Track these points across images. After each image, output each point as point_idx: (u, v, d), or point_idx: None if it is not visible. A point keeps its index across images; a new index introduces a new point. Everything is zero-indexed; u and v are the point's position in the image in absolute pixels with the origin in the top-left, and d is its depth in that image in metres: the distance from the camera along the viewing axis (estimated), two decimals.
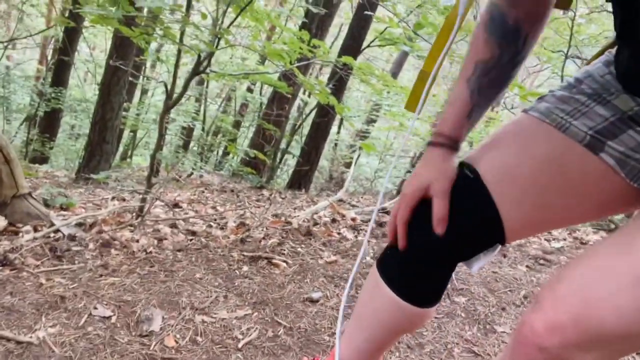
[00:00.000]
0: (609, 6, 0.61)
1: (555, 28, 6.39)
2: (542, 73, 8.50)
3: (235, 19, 2.04)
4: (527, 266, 2.21)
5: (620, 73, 0.68)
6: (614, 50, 0.73)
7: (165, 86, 2.13)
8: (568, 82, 0.75)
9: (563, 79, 5.19)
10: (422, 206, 0.75)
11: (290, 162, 7.38)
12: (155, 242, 1.88)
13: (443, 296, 0.82)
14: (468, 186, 0.72)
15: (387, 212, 3.11)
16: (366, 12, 3.09)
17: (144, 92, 7.92)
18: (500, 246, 0.77)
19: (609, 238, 0.61)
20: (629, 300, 0.54)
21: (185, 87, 2.10)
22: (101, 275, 1.53)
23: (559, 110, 0.71)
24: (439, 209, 0.71)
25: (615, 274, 0.55)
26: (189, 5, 1.98)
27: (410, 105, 0.76)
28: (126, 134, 7.67)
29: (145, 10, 1.98)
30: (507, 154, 0.72)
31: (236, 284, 1.60)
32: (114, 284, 1.48)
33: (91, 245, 1.74)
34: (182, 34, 2.26)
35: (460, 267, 1.96)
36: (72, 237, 1.78)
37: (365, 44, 5.41)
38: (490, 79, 0.73)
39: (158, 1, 1.58)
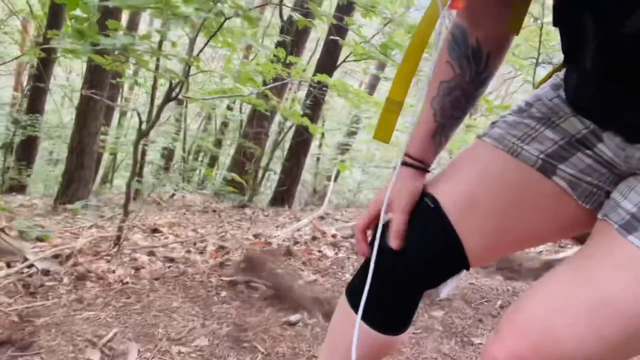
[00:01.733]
0: None
1: (525, 36, 6.55)
2: (516, 79, 8.69)
3: (205, 45, 2.07)
4: (503, 275, 2.24)
5: (569, 96, 0.70)
6: (561, 74, 0.76)
7: (139, 115, 2.13)
8: (519, 106, 0.77)
9: (534, 85, 5.32)
10: (387, 234, 0.77)
11: (274, 177, 7.39)
12: (132, 271, 1.87)
13: (421, 310, 0.84)
14: (429, 215, 0.73)
15: None
16: (332, 37, 3.15)
17: (123, 114, 7.88)
18: (465, 271, 0.79)
19: (565, 264, 0.62)
20: (587, 328, 0.55)
21: (158, 115, 2.11)
22: (75, 310, 1.51)
23: (510, 136, 0.72)
24: (396, 224, 0.73)
25: (572, 303, 0.56)
26: (161, 43, 2.00)
27: (380, 135, 0.74)
28: (106, 156, 7.61)
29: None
30: (465, 182, 0.73)
31: (213, 310, 1.60)
32: (89, 318, 1.47)
33: (66, 279, 1.72)
34: (157, 61, 2.27)
35: None
36: (46, 272, 1.76)
37: (341, 58, 5.49)
38: (453, 98, 0.74)
39: (124, 38, 1.59)
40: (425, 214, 0.74)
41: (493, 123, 0.78)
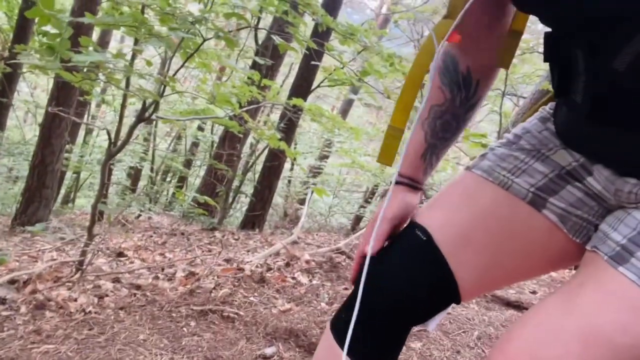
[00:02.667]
0: (540, 47, 0.65)
1: None
2: (482, 110, 8.98)
3: (181, 66, 2.02)
4: (478, 304, 2.24)
5: (558, 130, 0.71)
6: (548, 107, 0.77)
7: (108, 134, 2.05)
8: (507, 138, 0.78)
9: (501, 115, 5.47)
10: (374, 268, 0.74)
11: (244, 199, 7.27)
12: (96, 300, 1.76)
13: None
14: (420, 248, 0.72)
15: (341, 253, 3.09)
16: (313, 62, 3.17)
17: (89, 132, 7.63)
18: (453, 305, 0.77)
19: (555, 294, 0.62)
20: (578, 359, 0.54)
21: (129, 135, 2.04)
22: (33, 343, 1.40)
23: (500, 169, 0.73)
24: (379, 230, 0.73)
25: (564, 333, 0.56)
26: (134, 58, 1.95)
27: (383, 159, 0.76)
28: (69, 175, 7.32)
29: None
30: (457, 215, 0.73)
31: (183, 343, 1.51)
32: (48, 352, 1.36)
33: (23, 309, 1.60)
34: (128, 80, 2.20)
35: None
36: (2, 300, 1.63)
37: (315, 83, 5.52)
38: (443, 122, 0.78)
39: (98, 55, 1.53)
40: (417, 247, 0.72)
41: (482, 155, 0.79)
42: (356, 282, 0.76)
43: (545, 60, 0.67)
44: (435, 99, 0.78)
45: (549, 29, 0.65)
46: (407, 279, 0.71)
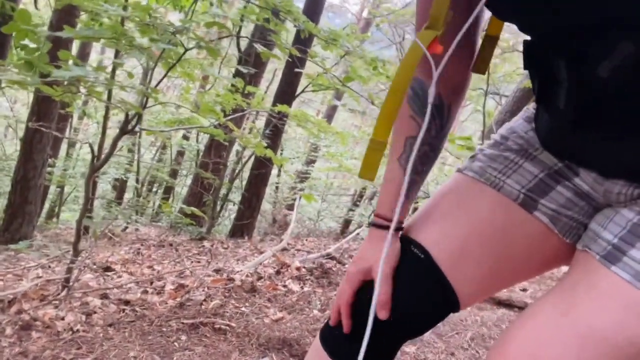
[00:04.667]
0: (519, 46, 0.63)
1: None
2: (466, 109, 9.07)
3: (163, 77, 2.00)
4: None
5: (541, 136, 0.71)
6: (531, 106, 0.77)
7: (91, 147, 2.02)
8: (494, 140, 0.77)
9: (484, 114, 5.53)
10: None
11: (232, 207, 7.21)
12: (83, 317, 1.73)
13: None
14: (419, 267, 0.70)
15: (332, 258, 3.08)
16: (296, 70, 3.17)
17: (72, 145, 7.53)
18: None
19: (549, 295, 0.62)
20: None
21: (113, 149, 2.01)
22: None
23: (491, 169, 0.72)
24: (382, 295, 0.68)
25: (561, 335, 0.56)
26: (115, 70, 1.92)
27: (365, 174, 0.68)
28: (53, 189, 7.20)
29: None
30: (454, 228, 0.71)
31: (175, 358, 1.49)
32: None
33: (8, 330, 1.56)
34: (110, 92, 2.17)
35: None
36: None
37: (300, 88, 5.52)
38: (422, 154, 0.73)
39: (78, 70, 1.51)
40: (415, 265, 0.70)
41: (472, 157, 0.78)
42: (355, 311, 0.72)
43: (525, 68, 0.66)
44: (409, 130, 0.72)
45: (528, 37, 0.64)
46: (408, 298, 0.70)
